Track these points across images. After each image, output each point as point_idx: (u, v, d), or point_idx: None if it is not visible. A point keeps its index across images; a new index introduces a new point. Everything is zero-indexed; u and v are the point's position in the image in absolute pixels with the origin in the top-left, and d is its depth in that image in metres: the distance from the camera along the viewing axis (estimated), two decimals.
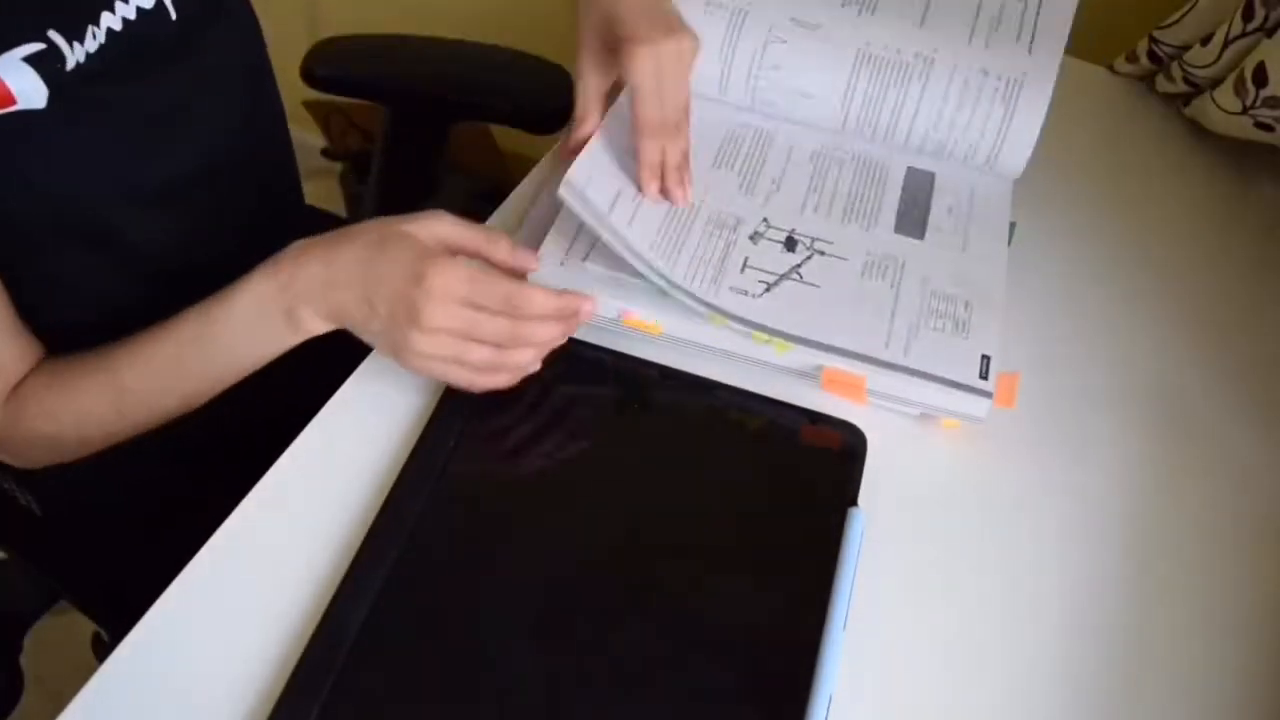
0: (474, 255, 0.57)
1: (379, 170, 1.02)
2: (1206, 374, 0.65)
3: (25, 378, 0.61)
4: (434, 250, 0.54)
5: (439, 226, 0.56)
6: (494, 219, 0.67)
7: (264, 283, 0.56)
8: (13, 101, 0.55)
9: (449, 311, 0.52)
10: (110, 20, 0.59)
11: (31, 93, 0.55)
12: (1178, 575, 0.56)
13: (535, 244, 0.62)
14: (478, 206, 0.73)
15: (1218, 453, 0.61)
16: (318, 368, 0.61)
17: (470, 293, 0.53)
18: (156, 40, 0.61)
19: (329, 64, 0.97)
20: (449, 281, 0.52)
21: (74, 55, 0.57)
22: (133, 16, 0.59)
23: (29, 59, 0.55)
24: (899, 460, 0.58)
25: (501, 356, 0.55)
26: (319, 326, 0.56)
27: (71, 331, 0.63)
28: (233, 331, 0.57)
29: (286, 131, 0.79)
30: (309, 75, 0.95)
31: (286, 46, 1.26)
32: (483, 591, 0.50)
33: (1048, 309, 0.67)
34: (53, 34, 0.55)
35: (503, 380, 0.55)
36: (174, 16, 0.62)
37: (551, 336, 0.56)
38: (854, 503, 0.54)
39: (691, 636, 0.50)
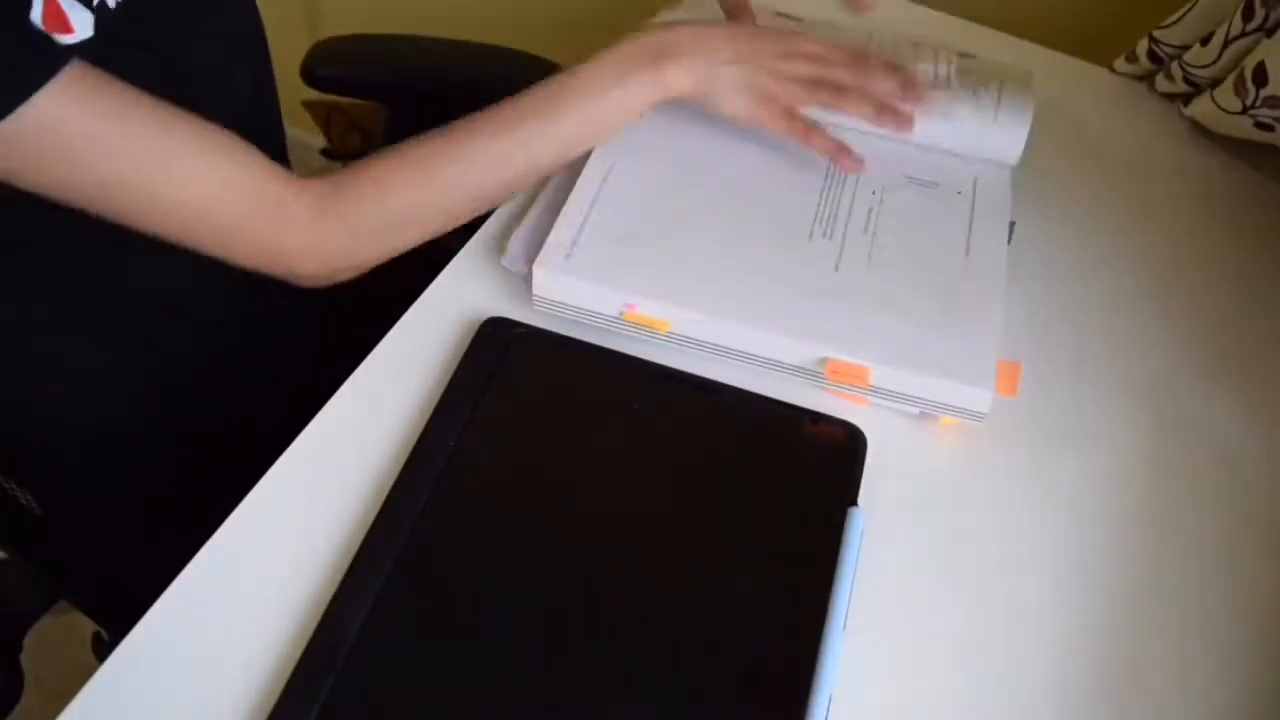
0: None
1: None
2: (1206, 374, 0.65)
3: (333, 174, 0.60)
4: None
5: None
6: (494, 218, 0.67)
7: (626, 44, 0.61)
8: (71, 30, 0.53)
9: (811, 54, 0.64)
10: None
11: (83, 23, 0.53)
12: (1179, 574, 0.56)
13: (539, 240, 0.62)
14: None
15: (1217, 452, 0.61)
16: (318, 367, 0.61)
17: (827, 52, 0.65)
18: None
19: (329, 64, 0.97)
20: (811, 40, 0.65)
21: None
22: None
23: None
24: (899, 460, 0.58)
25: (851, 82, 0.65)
26: (685, 82, 0.61)
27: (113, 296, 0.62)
28: (588, 91, 0.61)
29: (280, 117, 0.79)
30: (309, 75, 0.95)
31: (287, 46, 1.26)
32: (483, 591, 0.50)
33: (1046, 309, 0.67)
34: None
35: (849, 104, 0.65)
36: None
37: (888, 89, 0.65)
38: (854, 503, 0.54)
39: (691, 636, 0.50)
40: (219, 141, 0.56)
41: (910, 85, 0.66)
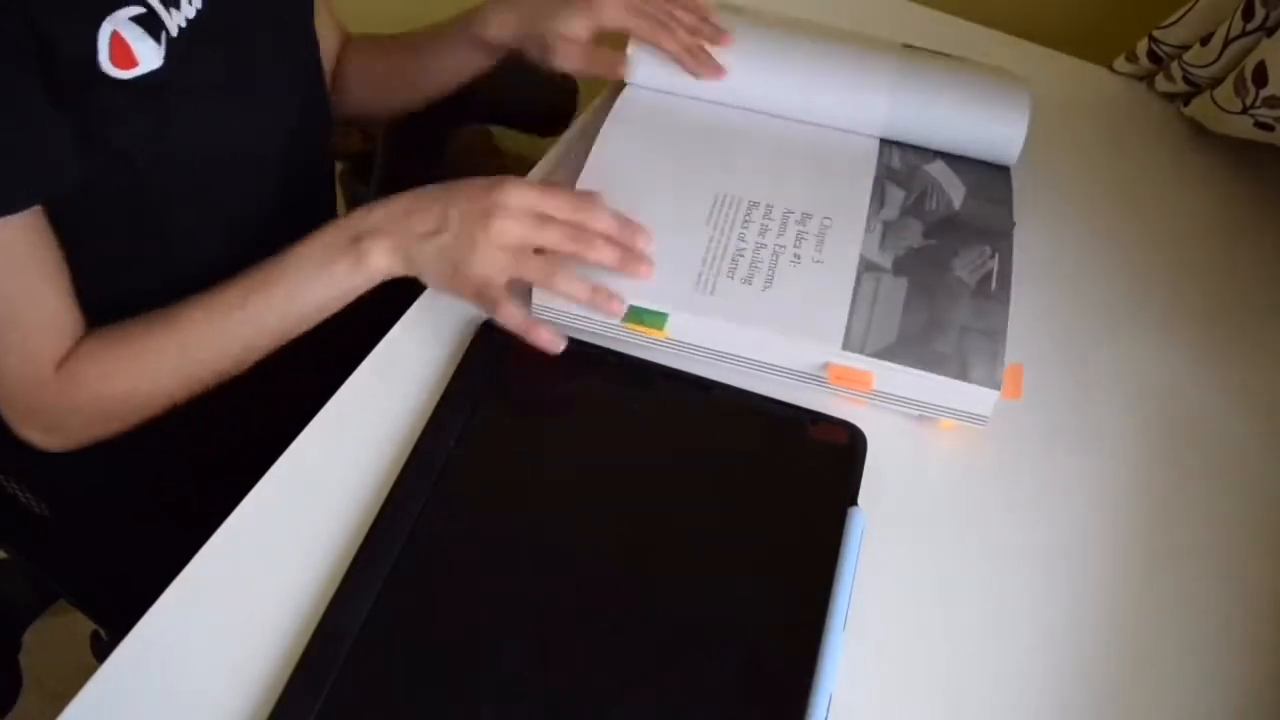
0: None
1: (380, 173, 1.02)
2: (1206, 374, 0.65)
3: (77, 346, 0.61)
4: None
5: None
6: None
7: (332, 228, 0.59)
8: (135, 63, 0.56)
9: (518, 223, 0.57)
10: None
11: (150, 54, 0.56)
12: (1179, 574, 0.56)
13: None
14: None
15: (1218, 453, 0.61)
16: (318, 367, 0.61)
17: (540, 202, 0.58)
18: (245, 3, 0.63)
19: None
20: (522, 195, 0.58)
21: (174, 19, 0.57)
22: None
23: (135, 19, 0.55)
24: (899, 460, 0.58)
25: (563, 255, 0.58)
26: (384, 263, 0.59)
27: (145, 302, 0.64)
28: (297, 275, 0.59)
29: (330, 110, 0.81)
30: None
31: None
32: (482, 592, 0.50)
33: (1046, 310, 0.67)
34: None
35: (559, 282, 0.58)
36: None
37: (610, 259, 0.58)
38: (854, 502, 0.54)
39: (692, 636, 0.50)
40: (39, 321, 0.59)
41: (631, 232, 0.60)
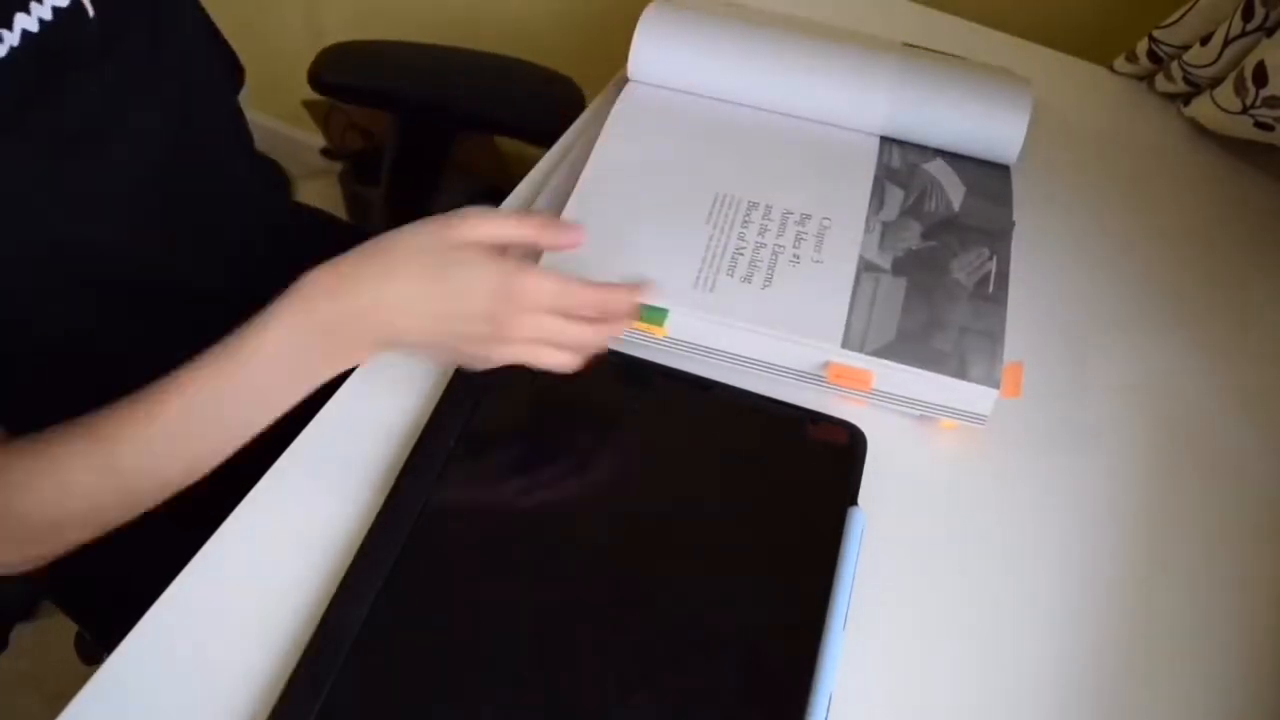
0: (528, 247, 0.55)
1: (388, 176, 1.03)
2: (1206, 373, 0.65)
3: None
4: (508, 264, 0.51)
5: (485, 227, 0.51)
6: None
7: (297, 318, 0.49)
8: None
9: (538, 322, 0.51)
10: (25, 22, 0.53)
11: None
12: (1179, 574, 0.56)
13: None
14: (480, 204, 0.73)
15: (1217, 452, 0.62)
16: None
17: (558, 304, 0.51)
18: (76, 42, 0.56)
19: (337, 71, 0.98)
20: (540, 297, 0.50)
21: None
22: (49, 18, 0.54)
23: None
24: (899, 460, 0.58)
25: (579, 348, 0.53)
26: (368, 357, 0.52)
27: (42, 390, 0.57)
28: (260, 377, 0.50)
29: (245, 130, 0.75)
30: (316, 81, 0.96)
31: (289, 49, 1.27)
32: (482, 591, 0.51)
33: (1046, 310, 0.67)
34: None
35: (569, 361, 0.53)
36: (92, 15, 0.56)
37: (616, 331, 0.55)
38: (854, 502, 0.55)
39: (692, 636, 0.50)
40: None
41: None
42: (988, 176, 0.69)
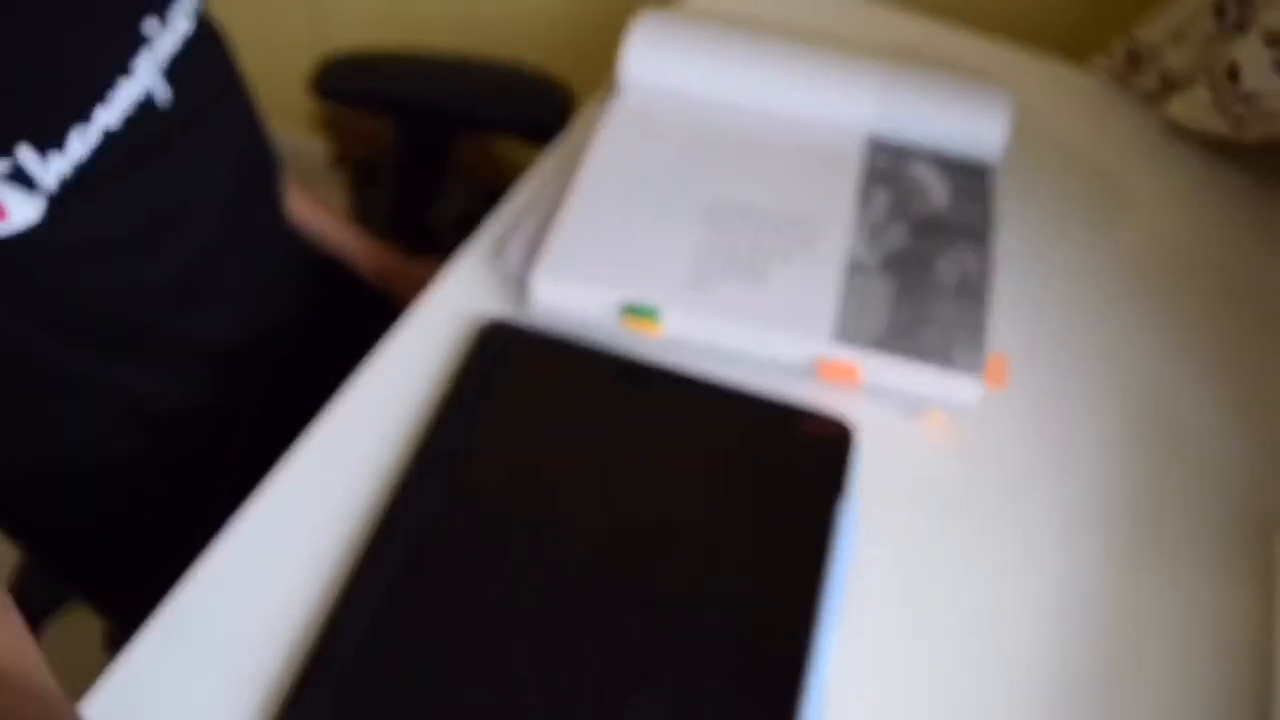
0: None
1: (390, 179, 1.05)
2: (1190, 371, 0.66)
3: None
4: None
5: None
6: (494, 222, 0.69)
7: None
8: (3, 216, 0.51)
9: None
10: (107, 117, 0.55)
11: (23, 210, 0.51)
12: (1166, 570, 0.57)
13: (536, 244, 0.64)
14: (480, 207, 0.75)
15: (1202, 450, 0.63)
16: (321, 366, 0.62)
17: None
18: (154, 133, 0.58)
19: (338, 79, 0.99)
20: None
21: (55, 166, 0.53)
22: (126, 115, 0.56)
23: (7, 176, 0.51)
24: (889, 455, 0.59)
25: None
26: None
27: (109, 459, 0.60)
28: None
29: (277, 189, 0.78)
30: (319, 89, 0.98)
31: (291, 53, 1.28)
32: (482, 591, 0.51)
33: (1032, 308, 0.69)
34: (22, 147, 0.51)
35: None
36: (171, 107, 0.59)
37: None
38: (845, 497, 0.56)
39: (685, 630, 0.50)
40: None
41: None
42: (971, 177, 0.71)
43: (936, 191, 0.70)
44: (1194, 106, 0.79)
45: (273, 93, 1.45)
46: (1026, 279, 0.70)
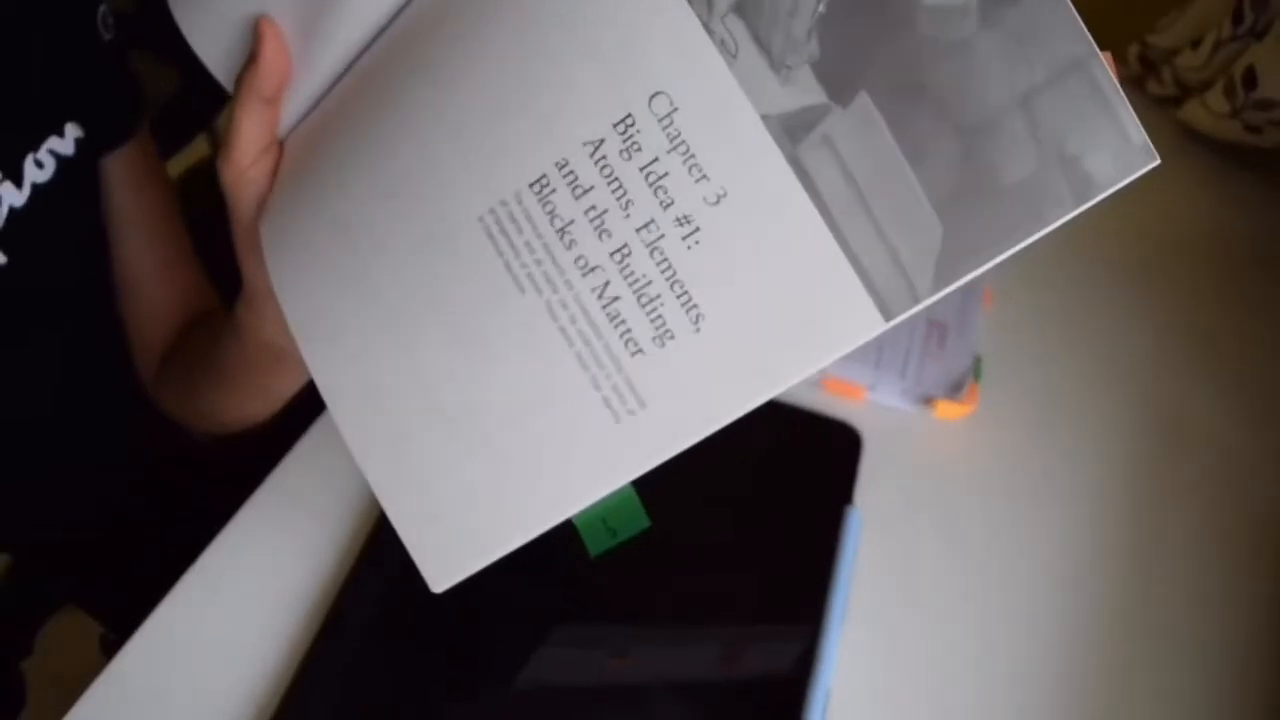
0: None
1: None
2: (1197, 374, 0.66)
3: None
4: None
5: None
6: None
7: None
8: None
9: None
10: None
11: None
12: (1173, 570, 0.57)
13: None
14: None
15: (1210, 452, 0.62)
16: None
17: None
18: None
19: None
20: None
21: None
22: None
23: None
24: (895, 459, 0.59)
25: None
26: None
27: None
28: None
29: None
30: None
31: None
32: (482, 591, 0.50)
33: (1037, 310, 0.68)
34: None
35: None
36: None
37: None
38: (850, 501, 0.55)
39: (690, 634, 0.50)
40: None
41: None
42: None
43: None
44: (1209, 111, 0.78)
45: None
46: (1034, 279, 0.69)
